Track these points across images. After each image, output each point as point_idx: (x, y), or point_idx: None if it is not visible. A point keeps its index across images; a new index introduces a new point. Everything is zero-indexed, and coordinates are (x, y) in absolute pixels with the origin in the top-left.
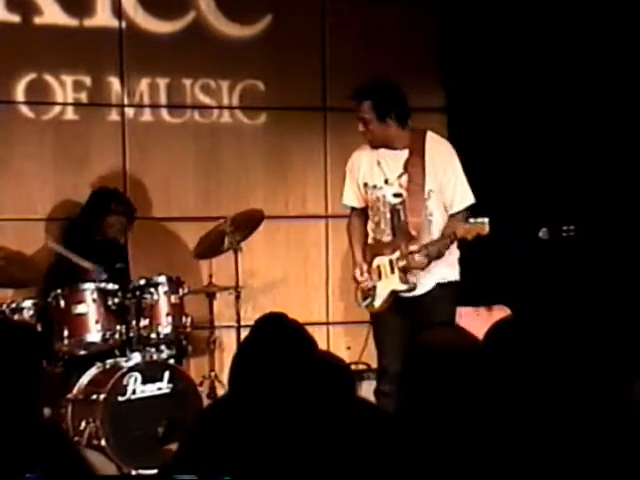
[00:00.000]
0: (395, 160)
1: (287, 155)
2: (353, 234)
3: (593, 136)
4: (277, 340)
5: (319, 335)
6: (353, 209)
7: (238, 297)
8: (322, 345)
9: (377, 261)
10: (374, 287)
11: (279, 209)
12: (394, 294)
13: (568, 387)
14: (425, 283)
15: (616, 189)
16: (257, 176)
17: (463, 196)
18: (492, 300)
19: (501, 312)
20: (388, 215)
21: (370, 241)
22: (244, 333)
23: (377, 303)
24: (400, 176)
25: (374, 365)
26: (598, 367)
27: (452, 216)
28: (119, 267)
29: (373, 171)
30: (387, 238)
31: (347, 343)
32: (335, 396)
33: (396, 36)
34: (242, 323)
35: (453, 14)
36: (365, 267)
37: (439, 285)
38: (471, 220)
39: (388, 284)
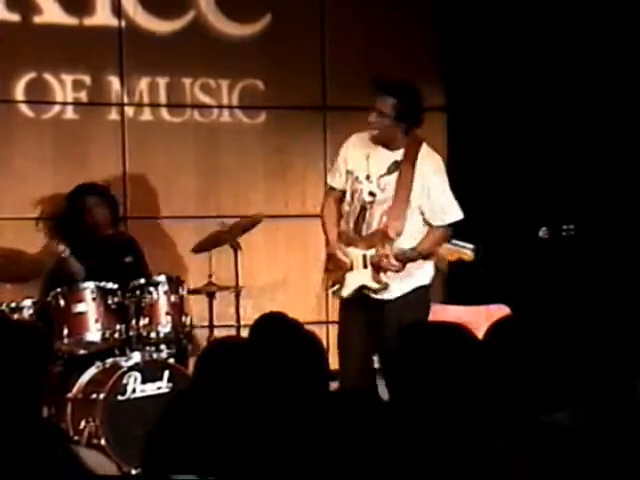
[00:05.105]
0: (383, 160)
1: (287, 154)
2: (330, 215)
3: (593, 135)
4: (277, 340)
5: (318, 334)
6: (332, 190)
7: (238, 296)
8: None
9: (350, 251)
10: (344, 276)
11: (279, 208)
12: (362, 289)
13: (567, 386)
14: (396, 288)
15: (616, 188)
16: (257, 175)
17: (447, 212)
18: (492, 300)
19: (501, 312)
20: (357, 210)
21: (341, 228)
22: (244, 332)
23: (345, 292)
24: (381, 176)
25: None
26: (598, 366)
27: (433, 228)
28: (128, 261)
29: (361, 163)
30: (352, 231)
31: None
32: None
33: (396, 35)
34: (242, 322)
35: (453, 13)
36: (343, 249)
37: (413, 290)
38: (454, 241)
39: (359, 277)
